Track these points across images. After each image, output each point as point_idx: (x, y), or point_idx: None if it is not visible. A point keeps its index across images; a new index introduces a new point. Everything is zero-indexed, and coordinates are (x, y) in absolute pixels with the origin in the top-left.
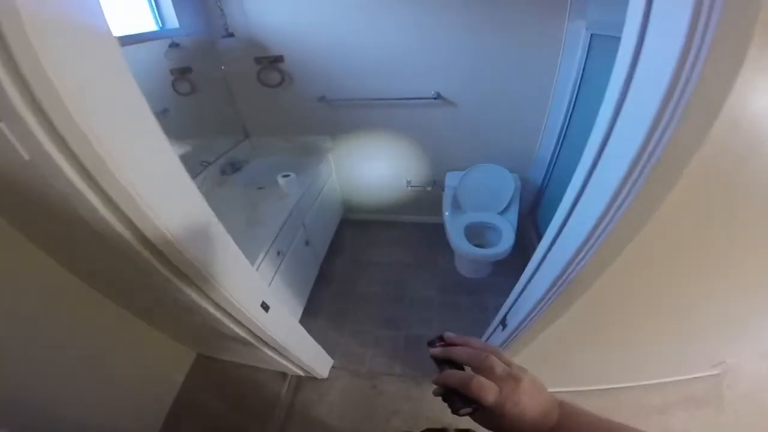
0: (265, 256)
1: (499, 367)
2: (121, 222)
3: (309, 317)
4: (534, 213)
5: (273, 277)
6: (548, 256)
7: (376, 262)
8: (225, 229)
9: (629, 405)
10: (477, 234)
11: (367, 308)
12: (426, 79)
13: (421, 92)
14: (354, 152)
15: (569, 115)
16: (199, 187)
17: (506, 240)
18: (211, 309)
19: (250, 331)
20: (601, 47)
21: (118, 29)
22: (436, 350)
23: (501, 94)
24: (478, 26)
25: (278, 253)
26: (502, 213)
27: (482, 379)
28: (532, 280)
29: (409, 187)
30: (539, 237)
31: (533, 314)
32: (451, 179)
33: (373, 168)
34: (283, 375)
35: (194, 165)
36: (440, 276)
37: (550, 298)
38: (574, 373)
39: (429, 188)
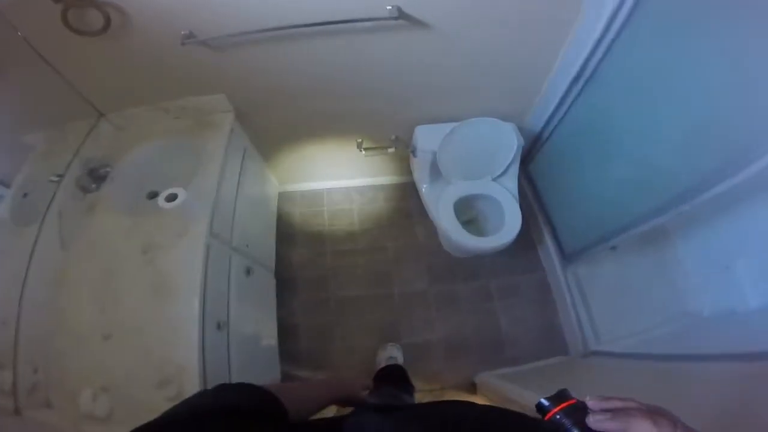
0: (203, 344)
1: None
2: None
3: (288, 341)
4: (526, 164)
5: (229, 364)
6: None
7: (343, 250)
8: None
9: None
10: (465, 207)
11: (354, 316)
12: None
13: (368, 8)
14: (271, 113)
15: (603, 43)
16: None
17: (512, 221)
18: None
19: None
20: None
21: None
22: (601, 420)
23: (498, 7)
24: None
25: (219, 326)
26: (497, 178)
27: None
28: None
29: (363, 151)
30: (535, 194)
31: None
32: (424, 137)
33: (304, 132)
34: None
35: (43, 186)
36: (426, 258)
37: None
38: None
39: (391, 149)
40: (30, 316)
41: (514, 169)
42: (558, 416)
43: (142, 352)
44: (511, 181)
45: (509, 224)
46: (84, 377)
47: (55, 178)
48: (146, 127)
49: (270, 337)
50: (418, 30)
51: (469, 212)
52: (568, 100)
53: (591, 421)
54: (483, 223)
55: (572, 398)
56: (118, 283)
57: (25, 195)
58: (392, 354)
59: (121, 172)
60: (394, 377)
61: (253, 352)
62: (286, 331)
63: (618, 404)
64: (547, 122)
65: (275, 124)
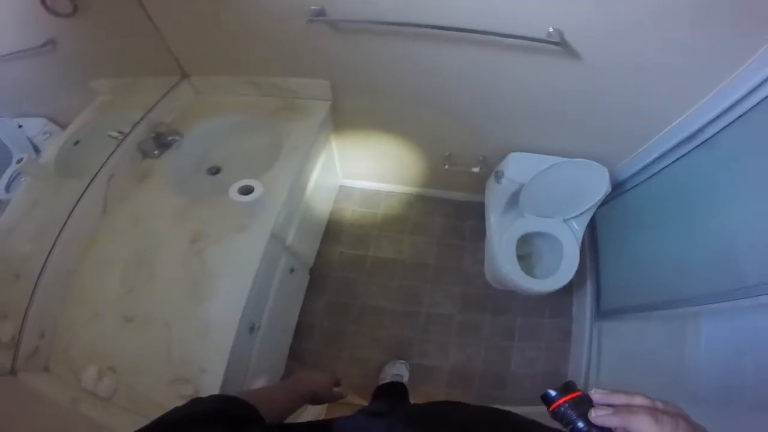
0: (230, 355)
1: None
2: None
3: (300, 339)
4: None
5: (248, 366)
6: None
7: (385, 258)
8: None
9: None
10: (524, 242)
11: (373, 327)
12: (546, 5)
13: (528, 28)
14: (365, 107)
15: (730, 114)
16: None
17: (567, 267)
18: None
19: None
20: None
21: None
22: (603, 414)
23: (650, 56)
24: None
25: (251, 329)
26: (568, 220)
27: None
28: None
29: (447, 166)
30: (592, 241)
31: None
32: (514, 166)
33: (390, 132)
34: None
35: (99, 139)
36: (464, 284)
37: None
38: None
39: (475, 169)
40: (52, 277)
41: (588, 215)
42: (563, 408)
43: (164, 344)
44: (580, 226)
45: (563, 270)
46: (93, 353)
47: (116, 134)
48: (230, 99)
49: (287, 335)
50: (566, 59)
51: (525, 248)
52: (669, 158)
53: (593, 415)
54: (535, 261)
55: (578, 390)
56: (155, 266)
57: (76, 143)
58: (400, 372)
59: (189, 142)
60: (395, 395)
61: (268, 350)
62: (301, 328)
63: (623, 399)
64: (636, 173)
65: (364, 118)
